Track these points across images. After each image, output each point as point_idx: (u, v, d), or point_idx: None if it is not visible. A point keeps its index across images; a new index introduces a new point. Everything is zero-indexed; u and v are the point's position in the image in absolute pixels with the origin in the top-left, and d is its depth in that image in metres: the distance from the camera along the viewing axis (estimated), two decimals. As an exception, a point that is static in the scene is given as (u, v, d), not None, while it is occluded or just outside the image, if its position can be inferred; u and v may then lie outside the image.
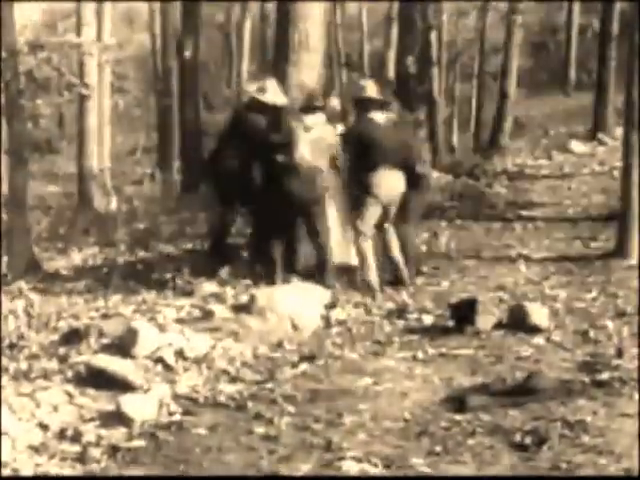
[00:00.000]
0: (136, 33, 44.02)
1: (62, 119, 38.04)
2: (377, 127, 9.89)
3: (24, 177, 11.96)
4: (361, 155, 9.73)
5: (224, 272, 9.86)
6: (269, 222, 9.78)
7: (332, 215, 9.93)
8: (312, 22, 10.49)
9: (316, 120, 9.76)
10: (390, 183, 9.84)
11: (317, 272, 9.60)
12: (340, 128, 10.13)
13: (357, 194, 9.78)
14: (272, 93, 9.96)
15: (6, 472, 5.24)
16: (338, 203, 10.00)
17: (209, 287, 9.42)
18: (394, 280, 9.94)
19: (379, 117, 9.93)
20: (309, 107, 9.82)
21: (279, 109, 9.95)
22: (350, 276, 9.84)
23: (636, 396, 6.09)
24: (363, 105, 9.98)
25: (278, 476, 5.19)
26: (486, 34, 26.69)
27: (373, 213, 9.76)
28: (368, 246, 9.76)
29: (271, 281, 9.46)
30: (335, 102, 10.09)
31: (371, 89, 10.05)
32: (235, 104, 10.88)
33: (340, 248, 9.96)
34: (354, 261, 9.96)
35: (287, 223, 9.82)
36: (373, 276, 9.71)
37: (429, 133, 18.87)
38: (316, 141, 9.64)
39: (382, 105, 10.08)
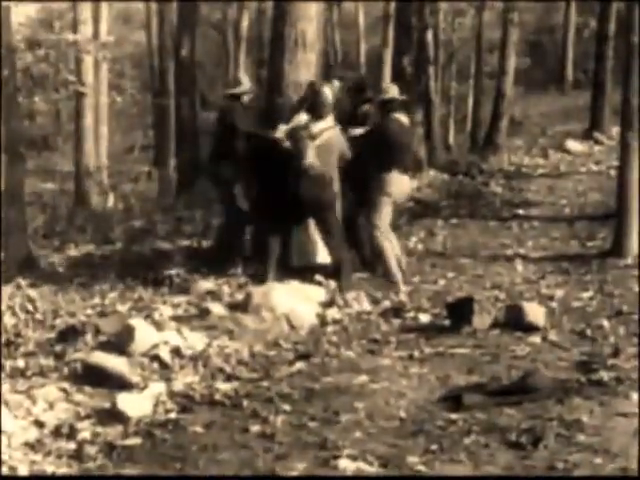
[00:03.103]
0: (133, 32, 44.00)
1: (59, 116, 38.03)
2: (403, 128, 10.08)
3: (21, 174, 11.94)
4: (381, 154, 9.81)
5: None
6: (269, 222, 9.85)
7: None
8: (308, 21, 10.50)
9: (323, 126, 9.77)
10: (404, 184, 10.02)
11: (334, 274, 9.59)
12: (357, 130, 10.15)
13: (372, 192, 9.84)
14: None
15: (2, 470, 5.23)
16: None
17: (205, 285, 9.43)
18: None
19: (404, 118, 10.07)
20: (316, 114, 9.84)
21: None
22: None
23: (632, 395, 6.09)
24: (388, 106, 10.04)
25: (274, 476, 5.19)
26: (483, 33, 26.65)
27: (388, 211, 9.85)
28: (386, 242, 9.83)
29: (263, 279, 9.47)
30: (327, 92, 10.06)
31: (394, 90, 10.16)
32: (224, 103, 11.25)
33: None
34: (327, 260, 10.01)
35: (288, 224, 9.84)
36: (395, 270, 9.78)
37: (426, 132, 18.86)
38: (323, 146, 9.66)
39: (404, 105, 10.26)
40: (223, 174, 10.50)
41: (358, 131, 10.13)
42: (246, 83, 10.87)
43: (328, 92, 9.94)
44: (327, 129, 9.74)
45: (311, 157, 9.57)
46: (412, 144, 10.52)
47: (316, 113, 9.77)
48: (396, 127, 9.97)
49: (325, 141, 9.67)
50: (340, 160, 9.84)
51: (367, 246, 10.15)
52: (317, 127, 9.71)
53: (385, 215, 9.86)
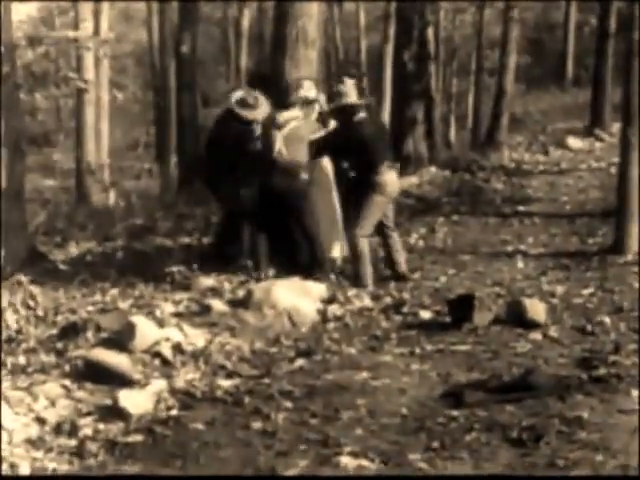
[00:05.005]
0: (134, 29, 44.05)
1: (60, 113, 38.08)
2: (370, 127, 9.91)
3: (21, 170, 11.93)
4: (363, 156, 9.73)
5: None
6: (254, 217, 9.89)
7: (334, 206, 10.01)
8: (309, 18, 10.50)
9: (290, 115, 9.82)
10: (394, 181, 9.95)
11: (310, 266, 9.61)
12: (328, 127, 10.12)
13: (363, 193, 9.78)
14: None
15: (3, 467, 5.24)
16: (332, 194, 10.08)
17: (206, 281, 9.43)
18: (397, 276, 9.98)
19: (366, 117, 9.93)
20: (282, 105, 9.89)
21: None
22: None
23: (633, 392, 6.09)
24: (348, 110, 9.88)
25: (274, 475, 5.19)
26: (483, 30, 26.65)
27: (377, 210, 9.79)
28: (365, 241, 9.78)
29: (257, 276, 9.47)
30: (309, 89, 10.07)
31: (351, 93, 10.04)
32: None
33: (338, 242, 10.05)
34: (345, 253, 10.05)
35: (271, 218, 9.84)
36: (366, 270, 9.73)
37: (427, 129, 18.86)
38: (291, 136, 9.71)
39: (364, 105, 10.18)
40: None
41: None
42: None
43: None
44: (293, 118, 9.81)
45: (278, 146, 9.67)
46: (386, 138, 10.46)
47: (281, 104, 9.89)
48: (366, 128, 9.81)
49: (292, 130, 9.74)
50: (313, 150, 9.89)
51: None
52: (282, 117, 9.79)
53: (374, 215, 9.82)
